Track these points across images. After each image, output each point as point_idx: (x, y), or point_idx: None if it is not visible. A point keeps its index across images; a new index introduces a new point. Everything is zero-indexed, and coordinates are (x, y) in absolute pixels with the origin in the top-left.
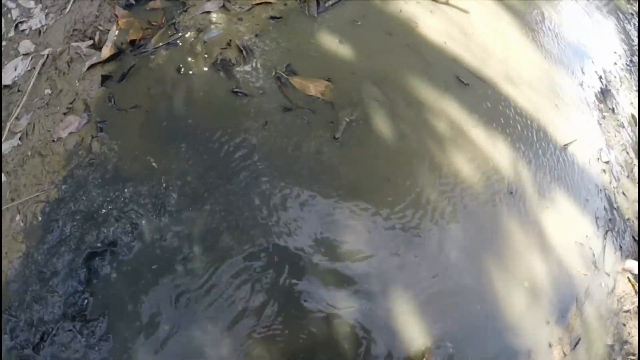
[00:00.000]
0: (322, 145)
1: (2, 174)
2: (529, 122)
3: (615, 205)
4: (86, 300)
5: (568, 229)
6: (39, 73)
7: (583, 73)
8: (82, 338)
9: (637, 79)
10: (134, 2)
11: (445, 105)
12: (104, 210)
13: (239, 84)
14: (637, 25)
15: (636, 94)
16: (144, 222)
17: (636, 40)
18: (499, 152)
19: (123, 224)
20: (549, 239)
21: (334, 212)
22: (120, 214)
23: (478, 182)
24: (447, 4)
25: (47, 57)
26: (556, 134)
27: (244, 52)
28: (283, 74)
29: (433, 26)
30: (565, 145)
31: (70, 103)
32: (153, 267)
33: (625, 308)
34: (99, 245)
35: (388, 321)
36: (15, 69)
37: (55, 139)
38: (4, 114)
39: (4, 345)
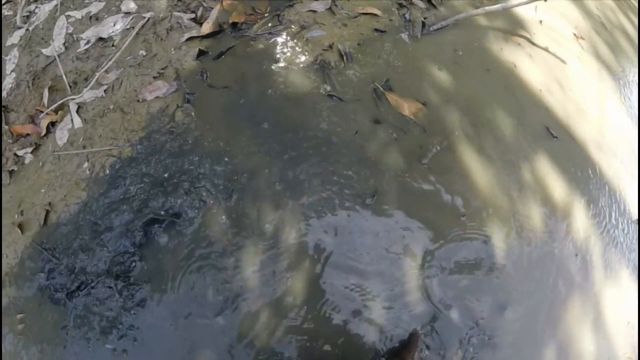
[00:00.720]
0: (407, 166)
1: (80, 119)
2: (607, 189)
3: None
4: (134, 263)
5: (623, 307)
6: (137, 33)
7: None
8: (120, 298)
9: None
10: None
11: (531, 153)
12: (175, 180)
13: (334, 88)
14: None
15: None
16: (212, 201)
17: None
18: (574, 212)
19: (192, 198)
20: (603, 312)
21: (400, 233)
22: (191, 188)
23: (549, 237)
24: (546, 50)
25: (147, 20)
26: (631, 207)
27: (344, 57)
28: (380, 87)
29: (531, 72)
30: (638, 219)
31: (162, 69)
32: (210, 249)
33: None
34: (162, 213)
35: None
36: (114, 25)
37: (140, 100)
38: (94, 64)
39: (38, 282)
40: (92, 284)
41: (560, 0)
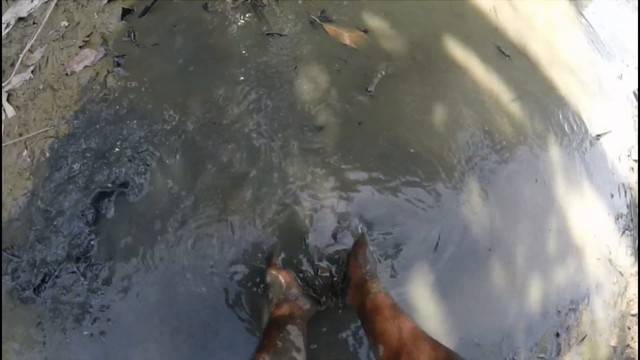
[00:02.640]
0: (352, 95)
1: (12, 107)
2: (565, 106)
3: (638, 207)
4: (92, 242)
5: (589, 220)
6: (56, 5)
7: (626, 65)
8: (84, 281)
9: None
10: None
11: (483, 74)
12: (116, 149)
13: (268, 26)
14: None
15: None
16: (157, 164)
17: None
18: (532, 130)
19: (136, 164)
20: (570, 226)
21: (347, 165)
22: (133, 154)
23: (507, 158)
24: None
25: None
26: (590, 123)
27: None
28: (317, 19)
29: None
30: (599, 135)
31: (87, 36)
32: (163, 212)
33: (633, 312)
34: (109, 185)
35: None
36: (32, 1)
37: (69, 73)
38: (17, 47)
39: (4, 286)
40: (56, 273)
41: None
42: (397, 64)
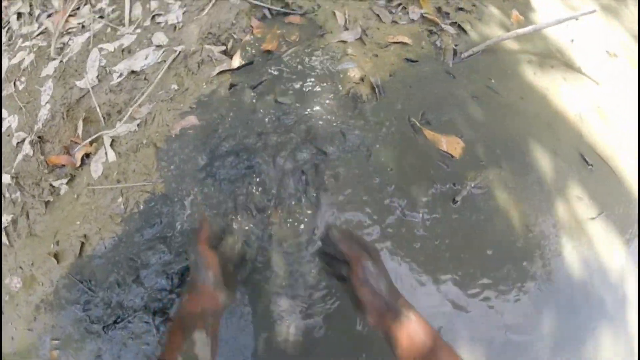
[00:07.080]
0: (437, 205)
1: (114, 153)
2: None
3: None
4: (172, 301)
5: None
6: (168, 67)
7: None
8: (157, 333)
9: None
10: (269, 17)
11: (566, 187)
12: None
13: (368, 122)
14: None
15: None
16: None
17: None
18: (612, 250)
19: None
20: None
21: (420, 275)
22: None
23: (586, 277)
24: (579, 71)
25: (179, 54)
26: None
27: (377, 90)
28: (417, 122)
29: (565, 96)
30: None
31: (194, 104)
32: (248, 307)
33: None
34: None
35: None
36: (146, 58)
37: (173, 135)
38: (126, 96)
39: (74, 313)
40: (129, 319)
41: (591, 18)
42: (484, 175)
